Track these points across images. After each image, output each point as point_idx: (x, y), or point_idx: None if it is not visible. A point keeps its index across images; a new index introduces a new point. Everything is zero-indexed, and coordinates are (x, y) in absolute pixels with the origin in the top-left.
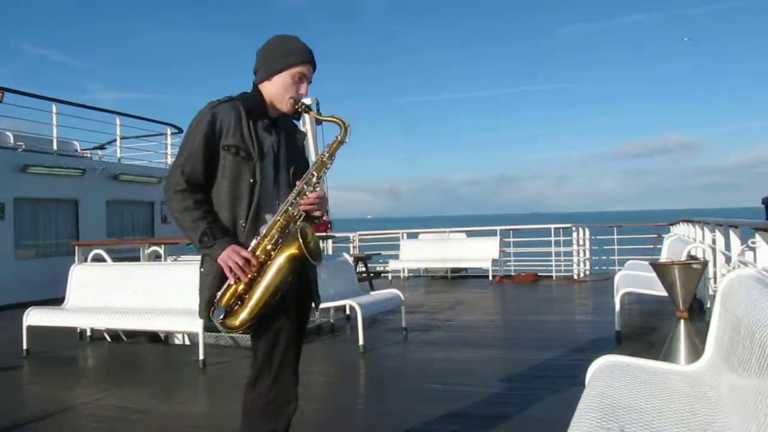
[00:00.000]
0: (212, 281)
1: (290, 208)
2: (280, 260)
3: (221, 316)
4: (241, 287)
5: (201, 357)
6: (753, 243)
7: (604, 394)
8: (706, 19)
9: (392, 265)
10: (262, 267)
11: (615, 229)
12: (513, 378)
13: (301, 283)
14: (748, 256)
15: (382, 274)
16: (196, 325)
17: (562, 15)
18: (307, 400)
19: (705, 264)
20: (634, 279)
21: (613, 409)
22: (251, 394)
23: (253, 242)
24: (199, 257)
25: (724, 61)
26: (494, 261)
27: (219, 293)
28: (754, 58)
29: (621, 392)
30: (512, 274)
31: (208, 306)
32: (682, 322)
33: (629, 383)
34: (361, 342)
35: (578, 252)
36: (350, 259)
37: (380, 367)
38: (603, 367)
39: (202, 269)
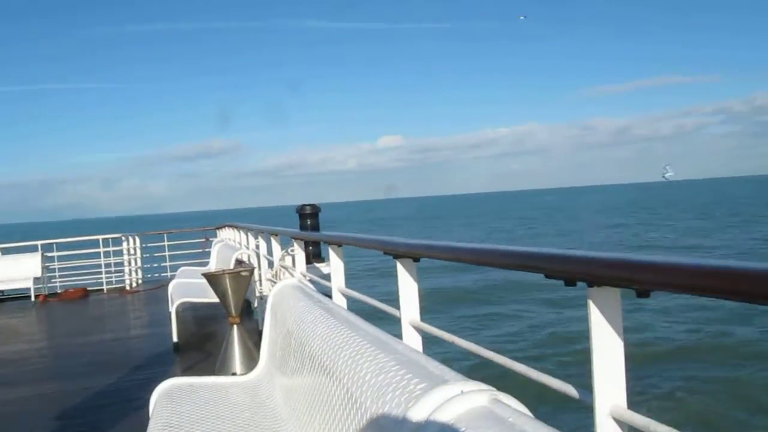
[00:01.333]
0: None
1: None
2: None
3: None
4: None
5: None
6: (292, 250)
7: (170, 424)
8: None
9: None
10: None
11: (165, 235)
12: (72, 414)
13: None
14: (288, 260)
15: None
16: None
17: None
18: None
19: (252, 270)
20: (188, 287)
21: None
22: None
23: None
24: None
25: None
26: (36, 279)
27: None
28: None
29: (187, 419)
30: (59, 291)
31: None
32: (235, 327)
33: (194, 407)
34: None
35: (129, 262)
36: None
37: None
38: (165, 393)
39: None
